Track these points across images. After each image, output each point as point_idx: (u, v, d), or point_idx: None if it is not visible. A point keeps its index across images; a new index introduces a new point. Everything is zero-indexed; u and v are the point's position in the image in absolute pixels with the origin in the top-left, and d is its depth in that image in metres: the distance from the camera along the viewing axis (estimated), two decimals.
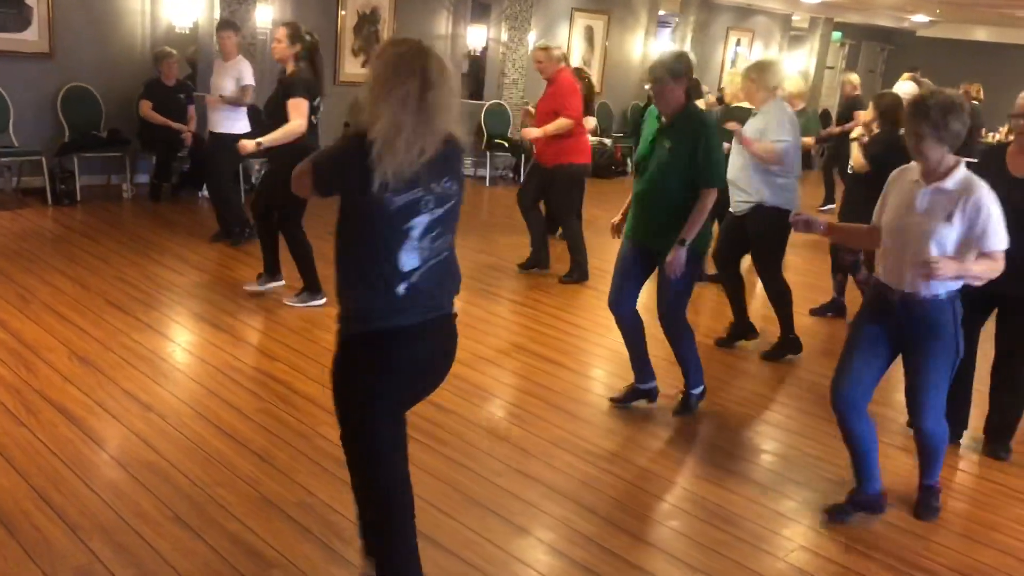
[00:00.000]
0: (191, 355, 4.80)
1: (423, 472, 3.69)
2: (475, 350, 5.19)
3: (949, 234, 3.25)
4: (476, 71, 11.51)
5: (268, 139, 5.44)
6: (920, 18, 17.23)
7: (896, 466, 4.19)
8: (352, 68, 10.20)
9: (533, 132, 6.72)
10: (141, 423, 3.88)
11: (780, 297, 5.49)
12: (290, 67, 5.49)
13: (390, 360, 2.46)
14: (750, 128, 5.28)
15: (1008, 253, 3.33)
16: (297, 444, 3.83)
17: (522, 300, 6.35)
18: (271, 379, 4.48)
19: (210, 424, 3.93)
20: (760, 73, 5.26)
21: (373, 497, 2.59)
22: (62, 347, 4.62)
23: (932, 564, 3.37)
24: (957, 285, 3.36)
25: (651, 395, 4.56)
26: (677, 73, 4.08)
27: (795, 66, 16.51)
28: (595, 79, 12.95)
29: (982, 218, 3.22)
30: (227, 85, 6.72)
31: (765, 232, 5.31)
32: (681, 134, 4.09)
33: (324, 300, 5.61)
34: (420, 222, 2.41)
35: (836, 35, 17.74)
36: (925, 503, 3.72)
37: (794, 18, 16.55)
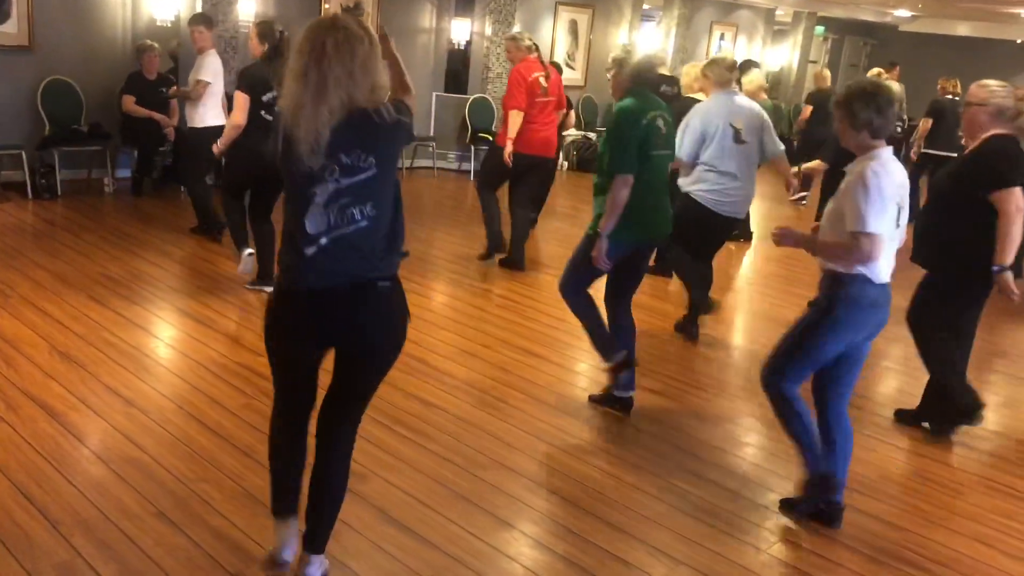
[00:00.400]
0: (174, 350, 4.78)
1: (407, 467, 3.69)
2: (459, 344, 5.19)
3: (833, 210, 3.35)
4: (460, 65, 11.47)
5: (221, 140, 5.60)
6: (903, 13, 17.32)
7: (878, 458, 4.23)
8: None
9: (507, 150, 6.77)
10: (123, 419, 3.86)
11: (688, 276, 5.74)
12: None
13: (288, 321, 2.67)
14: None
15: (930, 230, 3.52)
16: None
17: (505, 294, 6.35)
18: (254, 374, 4.47)
19: (193, 419, 3.91)
20: (714, 69, 5.55)
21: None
22: (43, 342, 4.59)
23: (913, 555, 3.41)
24: (860, 270, 3.27)
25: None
26: (621, 65, 4.21)
27: (777, 60, 16.60)
28: (579, 73, 12.97)
29: (849, 196, 3.22)
30: (192, 79, 6.78)
31: (678, 213, 5.48)
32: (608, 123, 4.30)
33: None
34: (324, 190, 2.52)
35: (819, 29, 17.82)
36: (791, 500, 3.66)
37: (777, 12, 16.59)
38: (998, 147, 4.13)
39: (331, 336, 2.68)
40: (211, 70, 6.76)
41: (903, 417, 4.64)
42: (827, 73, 12.22)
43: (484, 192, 7.05)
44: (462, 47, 11.24)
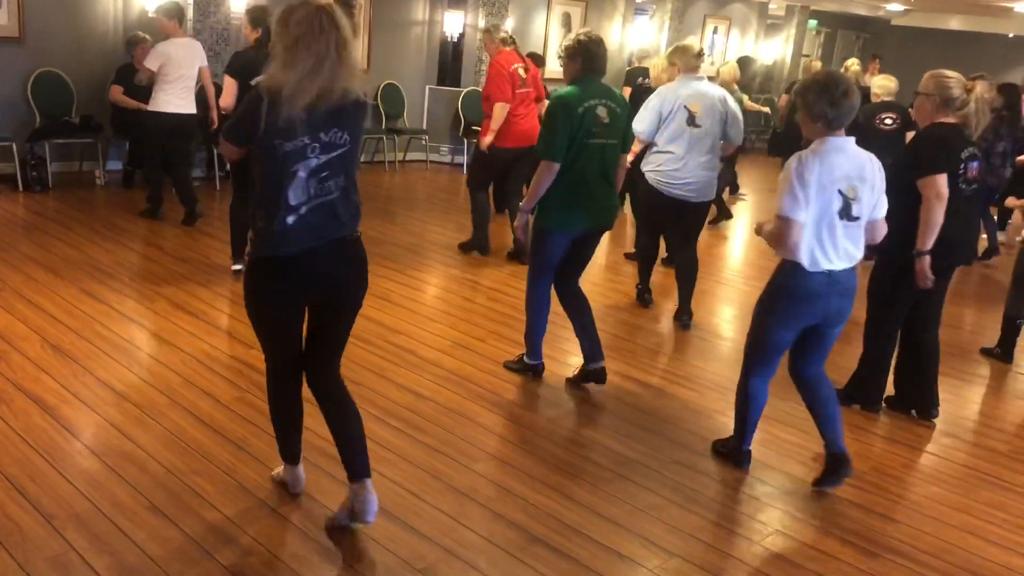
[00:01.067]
0: (166, 343, 4.77)
1: (400, 459, 3.70)
2: (451, 336, 5.20)
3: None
4: (453, 58, 11.44)
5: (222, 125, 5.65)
6: (895, 7, 17.34)
7: (870, 451, 4.25)
8: None
9: (485, 140, 6.81)
10: (116, 412, 3.86)
11: (641, 258, 6.14)
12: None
13: (271, 285, 2.88)
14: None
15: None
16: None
17: (497, 286, 6.36)
18: (247, 367, 4.46)
19: (186, 412, 3.91)
20: (679, 56, 5.67)
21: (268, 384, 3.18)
22: (35, 335, 4.58)
23: (905, 546, 3.42)
24: (789, 257, 3.42)
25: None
26: (573, 52, 4.29)
27: (771, 54, 16.61)
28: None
29: (779, 184, 3.38)
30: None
31: (638, 195, 5.88)
32: None
33: (240, 267, 5.69)
34: (306, 165, 2.73)
35: (812, 23, 17.83)
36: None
37: (771, 6, 16.60)
38: (931, 134, 4.22)
39: (316, 291, 2.91)
40: (155, 57, 6.81)
41: (889, 403, 4.72)
42: (818, 65, 12.30)
43: (476, 193, 7.04)
44: (455, 40, 11.22)
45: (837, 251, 3.41)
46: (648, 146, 5.70)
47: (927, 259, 4.15)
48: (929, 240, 4.13)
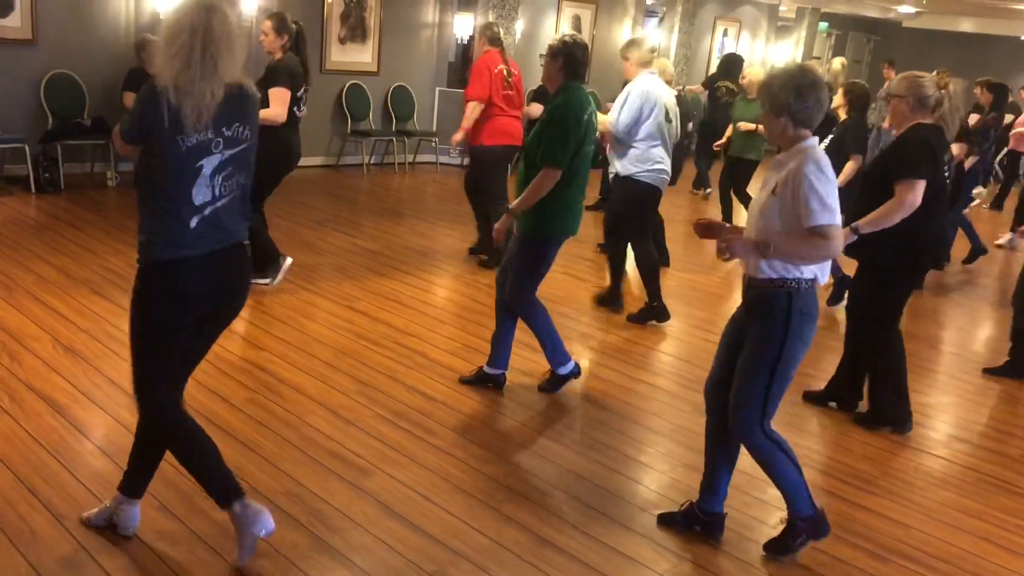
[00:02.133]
0: None
1: (410, 461, 3.70)
2: (460, 338, 5.20)
3: (773, 208, 2.99)
4: (463, 60, 11.45)
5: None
6: (906, 9, 17.29)
7: (881, 455, 4.23)
8: (339, 56, 10.15)
9: (456, 137, 6.87)
10: (126, 412, 3.86)
11: (647, 267, 5.86)
12: (278, 56, 5.43)
13: (177, 289, 2.73)
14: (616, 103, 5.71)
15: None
16: (284, 433, 3.82)
17: None
18: (257, 368, 4.47)
19: (196, 413, 3.88)
20: (630, 50, 5.69)
21: (147, 414, 2.89)
22: (46, 336, 4.60)
23: (916, 552, 3.41)
24: (803, 273, 3.01)
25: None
26: (556, 54, 4.25)
27: (781, 56, 16.57)
28: None
29: (802, 191, 2.90)
30: None
31: (619, 201, 5.77)
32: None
33: (267, 281, 5.66)
34: (211, 162, 2.67)
35: (822, 25, 17.79)
36: (778, 541, 3.29)
37: (781, 8, 16.57)
38: (915, 137, 4.17)
39: (215, 297, 2.81)
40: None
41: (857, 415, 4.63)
42: (839, 65, 12.13)
43: (492, 206, 6.93)
44: (465, 42, 11.23)
45: None
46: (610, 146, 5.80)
47: (852, 236, 4.10)
48: (870, 227, 4.10)
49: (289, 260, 5.79)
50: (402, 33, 10.73)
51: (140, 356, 2.80)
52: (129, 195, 8.00)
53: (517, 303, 4.40)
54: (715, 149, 9.27)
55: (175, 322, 2.76)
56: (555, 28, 12.35)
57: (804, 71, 3.12)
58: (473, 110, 6.65)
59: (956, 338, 6.29)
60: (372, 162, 10.74)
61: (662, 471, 3.89)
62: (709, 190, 10.79)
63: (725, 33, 15.53)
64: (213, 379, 4.29)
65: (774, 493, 3.70)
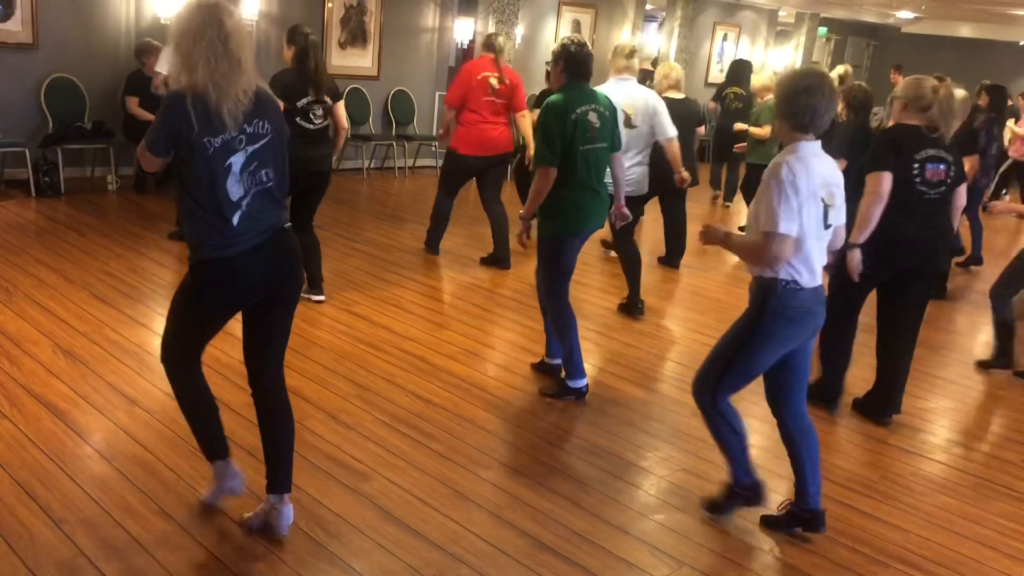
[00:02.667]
0: None
1: (409, 465, 3.70)
2: (460, 343, 5.19)
3: (755, 210, 3.14)
4: (463, 65, 11.47)
5: None
6: (905, 14, 17.30)
7: (880, 460, 4.23)
8: (339, 60, 10.16)
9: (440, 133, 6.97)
10: (126, 417, 3.87)
11: (629, 263, 6.02)
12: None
13: (229, 285, 2.88)
14: None
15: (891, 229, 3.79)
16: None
17: (507, 293, 6.35)
18: None
19: None
20: (611, 56, 5.81)
21: (168, 375, 3.14)
22: (46, 340, 4.60)
23: (914, 557, 3.40)
24: (778, 274, 3.11)
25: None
26: (556, 58, 4.37)
27: (781, 61, 16.59)
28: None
29: (764, 196, 3.05)
30: None
31: None
32: None
33: (321, 298, 5.63)
34: (239, 159, 2.78)
35: (822, 31, 17.81)
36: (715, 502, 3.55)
37: (780, 14, 16.59)
38: (886, 132, 4.32)
39: (268, 285, 2.92)
40: (164, 64, 6.77)
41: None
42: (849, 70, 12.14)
43: (440, 196, 7.05)
44: (465, 47, 11.24)
45: (821, 261, 3.22)
46: None
47: (857, 252, 4.21)
48: (861, 234, 4.18)
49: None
50: (402, 37, 10.75)
51: (176, 334, 3.03)
52: (129, 199, 8.01)
53: (548, 304, 4.56)
54: (736, 151, 9.31)
55: (222, 314, 2.97)
56: (555, 33, 12.37)
57: (804, 75, 3.17)
58: (447, 114, 6.80)
59: (956, 342, 6.29)
60: (372, 166, 10.75)
61: (661, 476, 3.89)
62: (719, 193, 10.77)
63: (725, 38, 15.55)
64: (213, 384, 4.24)
65: (774, 499, 3.70)
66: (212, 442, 3.16)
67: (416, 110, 10.91)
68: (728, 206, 10.54)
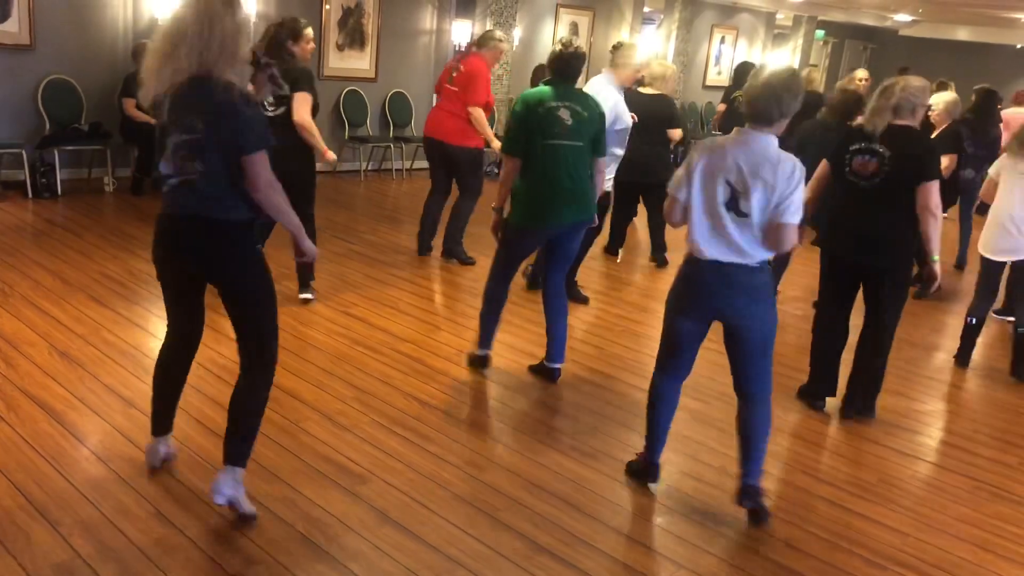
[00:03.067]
0: None
1: (406, 468, 3.69)
2: (457, 344, 5.19)
3: None
4: None
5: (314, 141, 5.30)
6: (903, 17, 17.35)
7: (876, 462, 4.23)
8: (337, 63, 10.16)
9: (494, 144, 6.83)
10: (122, 418, 3.86)
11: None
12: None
13: (155, 238, 3.13)
14: None
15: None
16: (281, 440, 3.81)
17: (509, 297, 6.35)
18: None
19: (192, 420, 3.91)
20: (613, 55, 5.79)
21: None
22: (42, 341, 4.59)
23: (911, 559, 3.40)
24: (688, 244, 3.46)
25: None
26: (549, 60, 4.55)
27: (779, 64, 16.60)
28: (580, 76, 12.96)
29: None
30: None
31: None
32: None
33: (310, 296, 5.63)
34: (171, 141, 2.93)
35: (819, 33, 17.85)
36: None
37: (778, 16, 16.62)
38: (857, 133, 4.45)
39: (189, 263, 3.11)
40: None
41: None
42: (816, 74, 12.24)
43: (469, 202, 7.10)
44: (463, 49, 11.24)
45: (727, 243, 3.28)
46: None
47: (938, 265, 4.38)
48: (811, 209, 4.37)
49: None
50: (400, 40, 10.75)
51: None
52: (126, 201, 8.00)
53: (489, 279, 4.70)
54: None
55: (157, 266, 3.20)
56: (553, 35, 12.38)
57: (782, 78, 3.30)
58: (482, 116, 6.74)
59: (952, 345, 6.30)
60: (370, 168, 10.74)
61: (660, 479, 3.88)
62: None
63: (722, 40, 15.57)
64: (210, 385, 4.28)
65: (770, 502, 3.70)
66: (156, 416, 3.43)
67: (414, 112, 10.91)
68: None
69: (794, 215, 3.22)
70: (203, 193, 2.94)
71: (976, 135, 7.87)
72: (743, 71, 10.75)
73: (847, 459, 4.23)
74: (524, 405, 4.48)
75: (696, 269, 3.39)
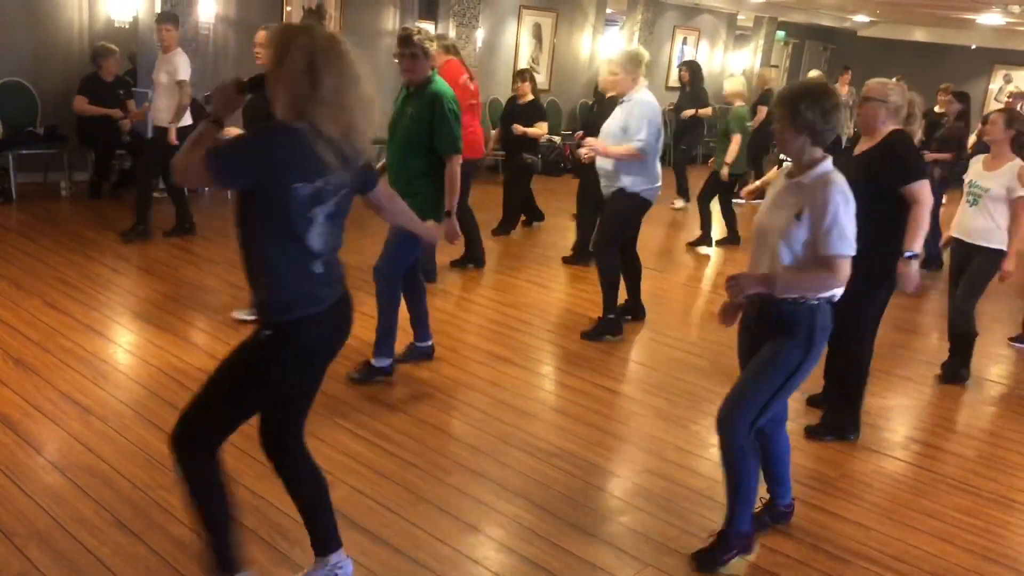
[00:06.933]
0: (132, 356, 4.69)
1: (372, 472, 3.66)
2: None
3: (798, 233, 2.99)
4: None
5: None
6: (861, 18, 17.59)
7: (841, 457, 4.27)
8: None
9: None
10: (80, 426, 3.78)
11: (613, 279, 5.68)
12: None
13: (313, 345, 2.61)
14: (614, 120, 5.54)
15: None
16: (242, 445, 3.73)
17: (470, 297, 6.34)
18: None
19: (152, 426, 3.84)
20: (632, 65, 5.50)
21: (182, 455, 2.61)
22: None
23: (875, 553, 3.44)
24: (828, 294, 3.07)
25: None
26: (427, 52, 4.48)
27: (740, 64, 16.78)
28: (544, 77, 12.98)
29: (827, 217, 2.92)
30: (161, 79, 6.68)
31: (615, 214, 5.64)
32: (421, 103, 4.43)
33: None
34: (324, 208, 2.50)
35: (780, 34, 18.02)
36: (706, 553, 3.25)
37: (739, 17, 16.76)
38: (906, 141, 4.20)
39: (337, 347, 2.68)
40: (186, 68, 6.72)
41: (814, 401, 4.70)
42: (771, 74, 12.36)
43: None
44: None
45: None
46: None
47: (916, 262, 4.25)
48: (918, 242, 4.19)
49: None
50: (362, 40, 10.66)
51: (217, 405, 2.60)
52: (83, 205, 7.86)
53: (382, 279, 4.52)
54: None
55: (290, 381, 2.63)
56: (516, 36, 12.38)
57: (831, 91, 3.08)
58: None
59: (913, 342, 6.39)
60: None
61: (626, 477, 3.89)
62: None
63: (684, 42, 15.67)
64: (169, 391, 4.21)
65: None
66: (225, 552, 2.61)
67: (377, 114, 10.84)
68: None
69: None
70: (338, 257, 2.61)
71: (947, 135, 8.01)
72: (700, 69, 10.88)
73: (811, 455, 4.27)
74: (489, 407, 4.46)
75: (830, 317, 3.13)
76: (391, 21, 10.99)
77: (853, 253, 2.94)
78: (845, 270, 2.95)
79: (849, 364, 4.41)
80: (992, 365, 5.93)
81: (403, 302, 4.68)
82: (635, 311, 6.01)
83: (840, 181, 3.00)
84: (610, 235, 5.66)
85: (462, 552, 3.17)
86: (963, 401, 5.33)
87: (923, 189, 4.08)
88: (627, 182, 5.45)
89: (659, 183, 5.59)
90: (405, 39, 4.46)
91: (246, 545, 3.03)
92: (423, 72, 4.47)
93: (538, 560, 3.16)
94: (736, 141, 8.17)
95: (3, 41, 7.87)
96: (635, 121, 5.38)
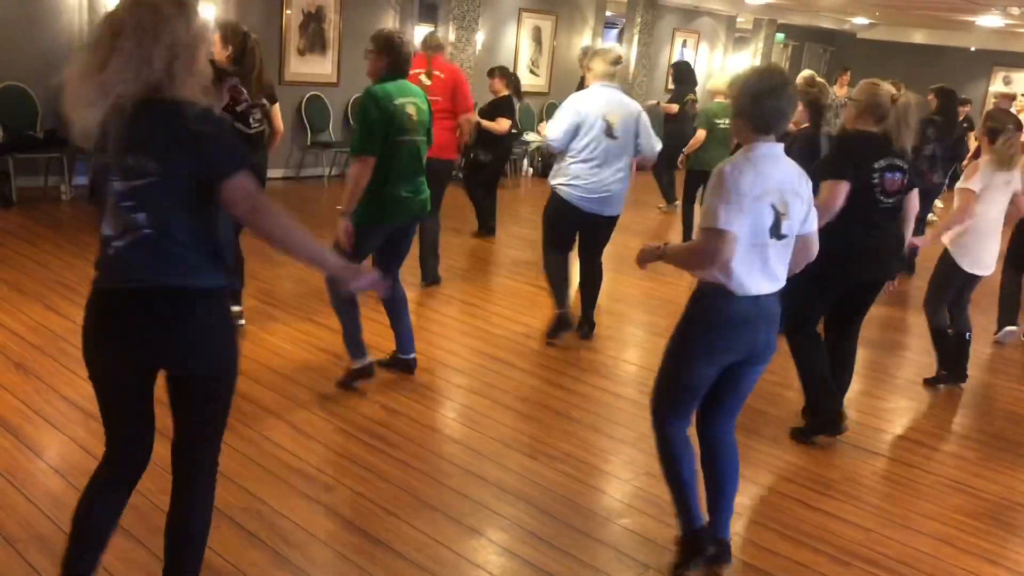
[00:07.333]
0: None
1: (372, 475, 3.66)
2: (423, 351, 5.16)
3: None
4: None
5: None
6: (860, 20, 17.62)
7: (841, 460, 4.27)
8: (298, 67, 10.09)
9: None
10: (82, 430, 3.79)
11: (549, 275, 5.53)
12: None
13: (94, 324, 2.53)
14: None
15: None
16: (244, 449, 3.77)
17: (471, 300, 6.34)
18: None
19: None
20: (593, 61, 5.36)
21: None
22: None
23: (876, 555, 3.44)
24: (712, 278, 2.93)
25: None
26: (382, 48, 4.43)
27: (739, 67, 16.77)
28: (543, 80, 13.00)
29: (708, 194, 2.90)
30: None
31: (544, 211, 5.53)
32: None
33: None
34: (112, 189, 2.25)
35: (779, 36, 18.05)
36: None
37: (738, 20, 16.79)
38: (842, 140, 4.21)
39: (143, 353, 2.36)
40: None
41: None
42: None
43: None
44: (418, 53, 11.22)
45: (766, 273, 2.95)
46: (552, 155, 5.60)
47: None
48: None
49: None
50: (362, 44, 10.57)
51: None
52: (84, 209, 7.86)
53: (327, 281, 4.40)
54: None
55: (94, 369, 2.52)
56: (515, 39, 12.40)
57: (770, 75, 3.02)
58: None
59: (914, 343, 6.39)
60: (333, 174, 10.67)
61: (626, 480, 3.90)
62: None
63: (684, 44, 15.69)
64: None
65: (737, 500, 3.71)
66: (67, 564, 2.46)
67: None
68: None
69: (815, 219, 3.10)
70: (162, 254, 2.24)
71: (943, 136, 7.96)
72: (686, 71, 10.84)
73: (811, 457, 4.27)
74: (490, 410, 4.46)
75: (730, 307, 2.94)
76: (391, 24, 11.01)
77: (717, 227, 2.80)
78: (711, 243, 2.82)
79: (797, 358, 4.37)
80: (992, 365, 5.94)
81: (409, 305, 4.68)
82: (581, 326, 5.62)
83: (736, 161, 2.90)
84: (544, 233, 5.53)
85: (463, 555, 3.17)
86: (963, 403, 5.33)
87: (828, 187, 4.01)
88: (551, 178, 5.38)
89: (587, 189, 5.17)
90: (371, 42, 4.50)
91: (248, 548, 3.03)
92: (373, 74, 4.42)
93: (539, 563, 3.16)
94: (700, 135, 8.12)
95: (3, 45, 7.88)
96: (557, 113, 5.31)
